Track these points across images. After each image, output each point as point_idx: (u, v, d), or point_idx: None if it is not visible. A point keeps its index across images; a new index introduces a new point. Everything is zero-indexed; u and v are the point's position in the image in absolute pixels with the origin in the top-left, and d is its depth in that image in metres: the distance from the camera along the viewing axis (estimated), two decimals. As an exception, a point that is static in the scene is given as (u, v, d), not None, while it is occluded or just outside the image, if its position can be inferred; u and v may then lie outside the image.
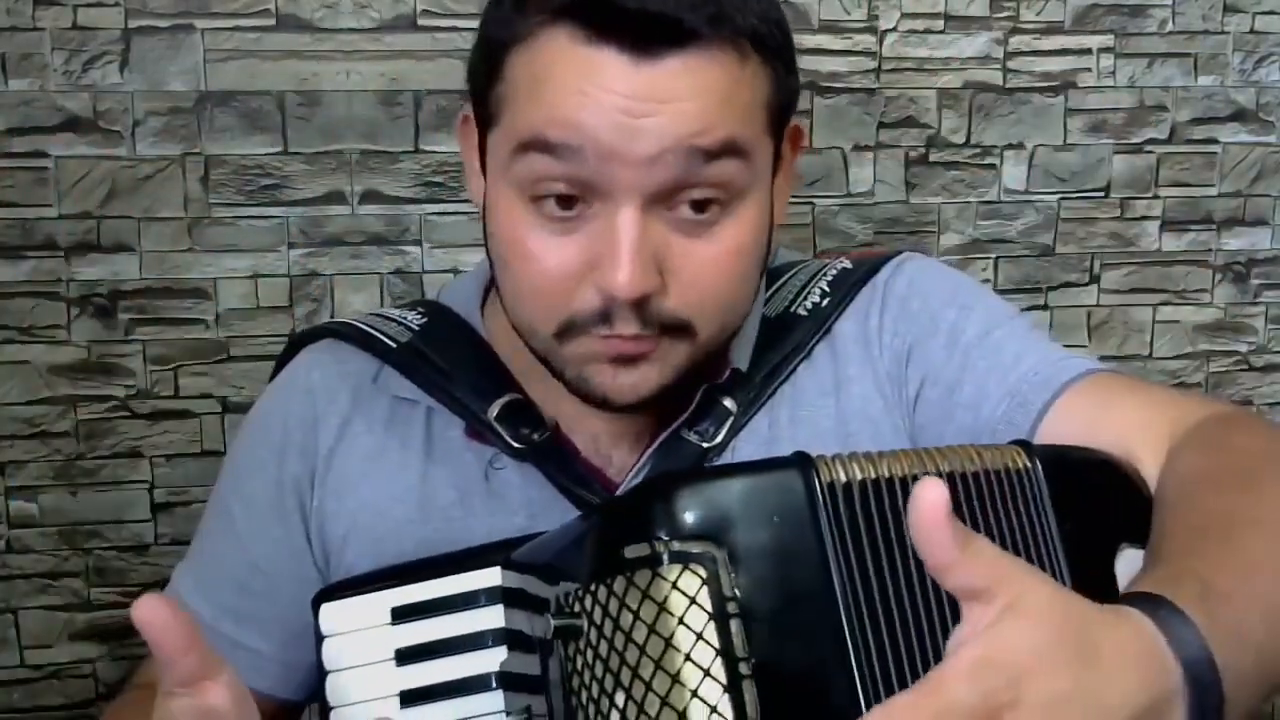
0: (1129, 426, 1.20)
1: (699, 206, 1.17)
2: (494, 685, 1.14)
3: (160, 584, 1.80)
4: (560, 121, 1.15)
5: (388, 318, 1.43)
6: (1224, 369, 2.41)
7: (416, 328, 1.40)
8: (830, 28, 2.18)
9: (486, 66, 1.23)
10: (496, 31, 1.22)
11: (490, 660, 1.15)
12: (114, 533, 2.11)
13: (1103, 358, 2.29)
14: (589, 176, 1.15)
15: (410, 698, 1.16)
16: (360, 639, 1.19)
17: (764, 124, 1.22)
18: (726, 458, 1.32)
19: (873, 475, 1.02)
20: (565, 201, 1.17)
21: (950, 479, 1.05)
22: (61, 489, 2.09)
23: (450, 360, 1.36)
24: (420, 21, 2.07)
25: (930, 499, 0.78)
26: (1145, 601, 0.87)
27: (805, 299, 1.39)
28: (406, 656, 1.17)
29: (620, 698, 0.95)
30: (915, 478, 1.02)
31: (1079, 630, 0.81)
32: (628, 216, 1.15)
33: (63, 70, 2.00)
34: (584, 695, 0.99)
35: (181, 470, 2.11)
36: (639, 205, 1.15)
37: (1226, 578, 0.93)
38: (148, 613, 0.95)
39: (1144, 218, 2.34)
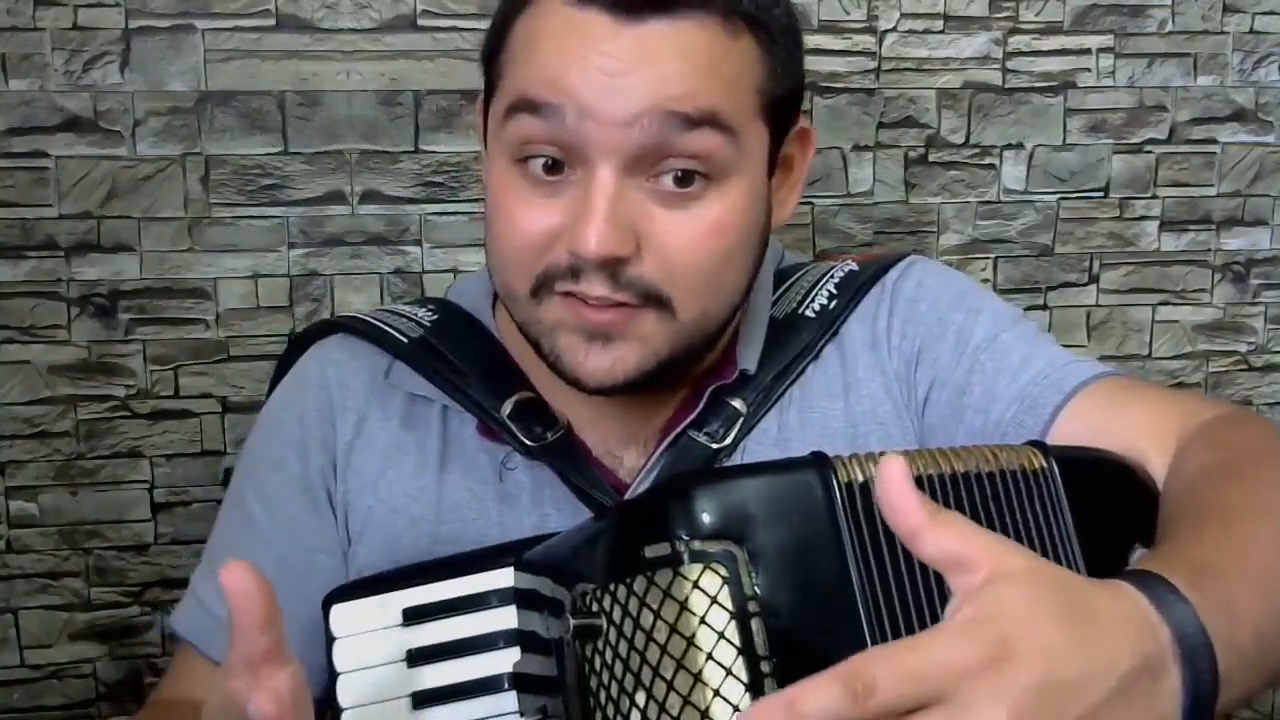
0: (1139, 429, 1.21)
1: (682, 180, 1.18)
2: (507, 686, 1.14)
3: (161, 584, 1.80)
4: (544, 81, 1.17)
5: (397, 313, 1.43)
6: (1223, 369, 2.41)
7: (428, 323, 1.41)
8: (830, 28, 2.18)
9: (494, 40, 1.26)
10: (506, 4, 1.25)
11: (503, 661, 1.15)
12: (114, 533, 2.11)
13: (1102, 358, 2.29)
14: (569, 138, 1.16)
15: (423, 699, 1.16)
16: (372, 640, 1.19)
17: (755, 108, 1.23)
18: (736, 459, 1.33)
19: None
20: (551, 167, 1.19)
21: (966, 479, 1.06)
22: (61, 489, 2.08)
23: (462, 357, 1.37)
24: (420, 21, 2.07)
25: (891, 473, 0.80)
26: (1133, 576, 0.88)
27: (812, 301, 1.40)
28: (419, 658, 1.17)
29: (641, 697, 0.96)
30: (931, 478, 1.04)
31: (1068, 591, 0.82)
32: (603, 177, 1.16)
33: (63, 70, 2.00)
34: (603, 695, 0.99)
35: (181, 470, 2.11)
36: (617, 169, 1.16)
37: (1218, 557, 0.94)
38: (235, 579, 0.95)
39: (1143, 218, 2.34)
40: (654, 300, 1.20)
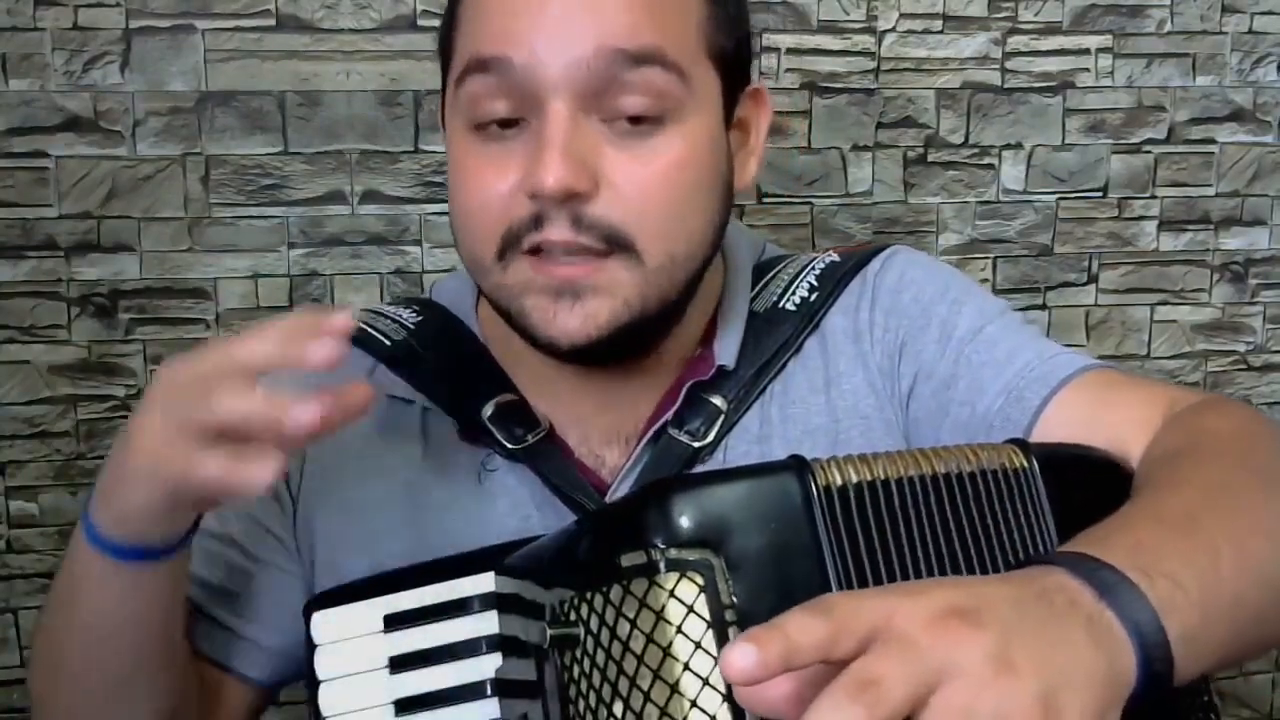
0: (1125, 422, 1.21)
1: (635, 119, 1.19)
2: (489, 692, 1.14)
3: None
4: (490, 36, 1.19)
5: (382, 314, 1.43)
6: (1222, 369, 2.42)
7: (411, 325, 1.40)
8: (829, 28, 2.18)
9: (446, 24, 1.28)
10: None
11: (485, 667, 1.14)
12: (114, 532, 2.11)
13: (1101, 357, 2.27)
14: (519, 85, 1.17)
15: (405, 706, 1.15)
16: (353, 647, 1.18)
17: (701, 48, 1.23)
18: (718, 457, 1.32)
19: (868, 477, 1.03)
20: (507, 124, 1.20)
21: (946, 480, 1.06)
22: (61, 489, 2.09)
23: (445, 359, 1.36)
24: (420, 22, 2.07)
25: (735, 667, 0.75)
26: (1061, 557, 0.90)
27: (793, 293, 1.39)
28: (400, 664, 1.17)
29: (619, 707, 0.95)
30: (911, 479, 1.04)
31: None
32: (556, 112, 1.17)
33: (63, 70, 2.00)
34: (581, 704, 0.99)
35: (181, 470, 2.11)
36: (569, 105, 1.17)
37: (1126, 515, 0.97)
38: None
39: (1142, 217, 2.34)
40: (619, 245, 1.20)
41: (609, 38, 1.16)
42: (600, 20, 1.16)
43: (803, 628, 0.76)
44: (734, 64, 1.28)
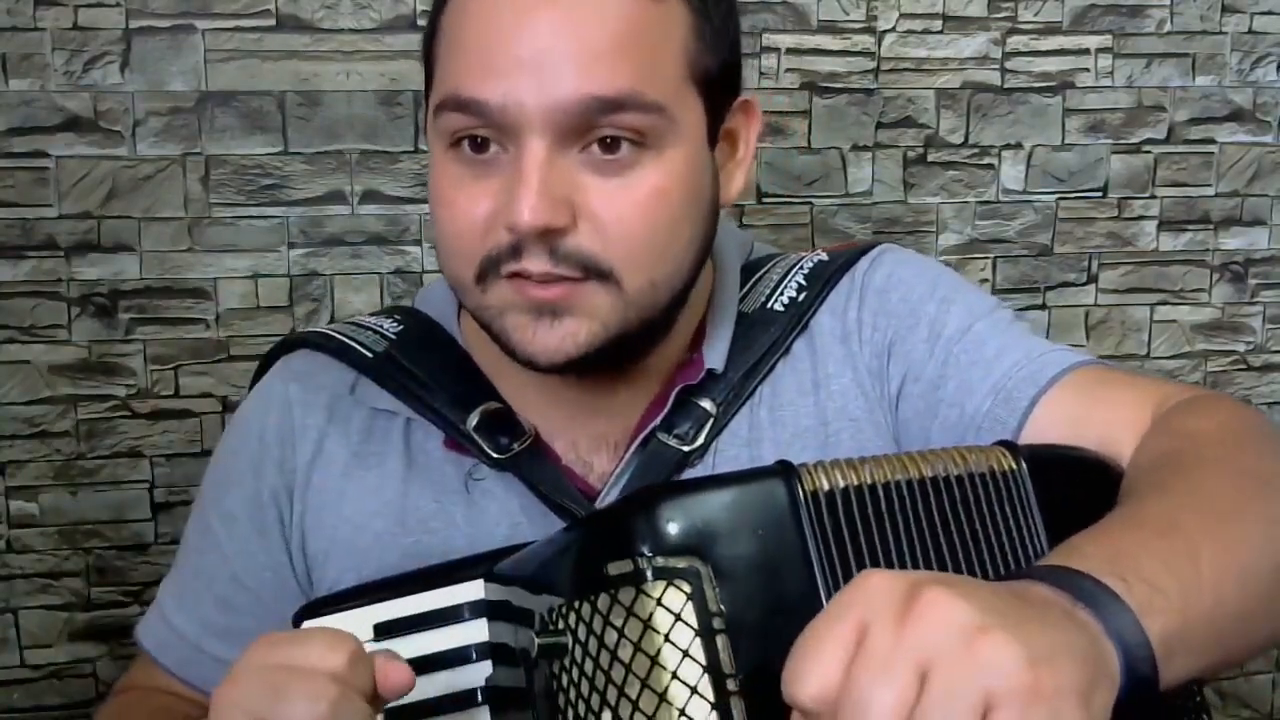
0: (1115, 421, 1.20)
1: (610, 145, 1.17)
2: (480, 700, 1.12)
3: (160, 584, 1.81)
4: (469, 78, 1.16)
5: (364, 326, 1.41)
6: (1221, 369, 2.42)
7: (393, 336, 1.39)
8: (829, 28, 2.18)
9: (429, 31, 1.26)
10: None
11: (475, 675, 1.13)
12: (114, 532, 2.12)
13: (1100, 357, 2.28)
14: (498, 120, 1.15)
15: (395, 715, 1.13)
16: None
17: (683, 75, 1.21)
18: (708, 460, 1.31)
19: (855, 482, 1.02)
20: (479, 145, 1.18)
21: (934, 484, 1.05)
22: (61, 489, 2.10)
23: (427, 369, 1.35)
24: (420, 22, 2.07)
25: None
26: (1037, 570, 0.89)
27: (781, 294, 1.37)
28: None
29: (607, 716, 0.95)
30: (899, 484, 1.03)
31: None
32: (533, 149, 1.15)
33: (63, 70, 2.01)
34: (570, 713, 0.98)
35: (181, 470, 2.12)
36: (547, 141, 1.15)
37: (1125, 539, 0.95)
38: None
39: (1141, 217, 2.34)
40: (596, 273, 1.18)
41: (587, 85, 1.14)
42: (578, 66, 1.14)
43: None
44: (720, 81, 1.26)
